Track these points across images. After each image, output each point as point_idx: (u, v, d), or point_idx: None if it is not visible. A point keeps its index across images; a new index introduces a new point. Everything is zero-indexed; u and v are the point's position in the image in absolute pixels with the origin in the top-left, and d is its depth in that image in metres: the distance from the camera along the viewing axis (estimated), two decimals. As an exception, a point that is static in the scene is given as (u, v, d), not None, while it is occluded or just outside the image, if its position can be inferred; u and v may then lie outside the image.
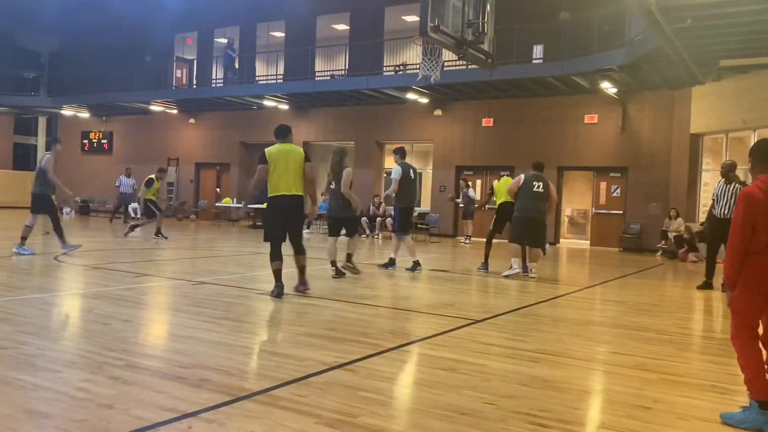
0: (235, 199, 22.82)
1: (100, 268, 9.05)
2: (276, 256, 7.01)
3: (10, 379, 3.67)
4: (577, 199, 20.75)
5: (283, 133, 7.25)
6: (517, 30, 16.66)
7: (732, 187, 8.93)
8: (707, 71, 14.23)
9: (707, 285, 9.18)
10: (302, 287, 7.25)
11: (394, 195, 10.13)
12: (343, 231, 9.22)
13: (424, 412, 3.42)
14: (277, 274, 7.00)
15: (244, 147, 24.43)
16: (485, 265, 10.45)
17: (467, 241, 17.71)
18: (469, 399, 3.62)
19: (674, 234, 15.31)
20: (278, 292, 6.90)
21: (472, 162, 19.89)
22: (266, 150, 7.05)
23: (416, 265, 10.03)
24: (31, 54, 28.39)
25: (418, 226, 18.79)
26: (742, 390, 3.52)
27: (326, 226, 10.07)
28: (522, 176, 9.88)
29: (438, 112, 20.33)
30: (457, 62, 16.16)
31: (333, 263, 9.04)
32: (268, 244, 7.10)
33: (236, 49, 22.92)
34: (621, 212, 17.94)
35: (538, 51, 17.70)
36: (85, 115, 27.83)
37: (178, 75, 24.73)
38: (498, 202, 10.84)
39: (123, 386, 3.59)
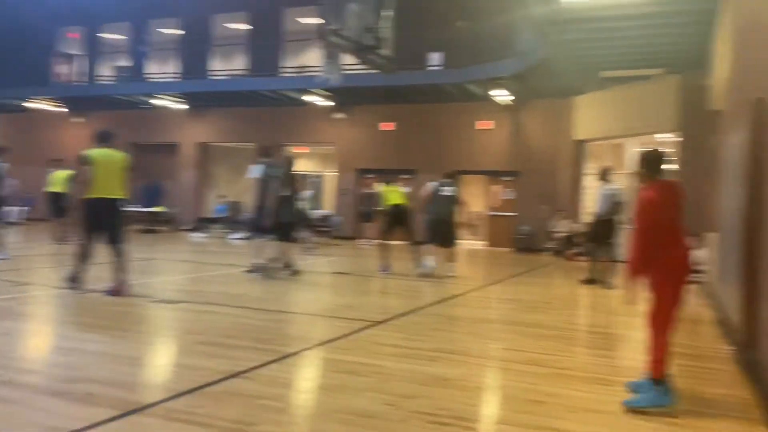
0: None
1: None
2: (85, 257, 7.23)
3: None
4: (473, 202, 21.43)
5: (105, 138, 7.72)
6: (416, 36, 17.00)
7: (606, 188, 9.59)
8: (589, 81, 15.18)
9: (590, 280, 9.79)
10: (118, 288, 7.05)
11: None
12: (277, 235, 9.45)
13: (324, 416, 3.40)
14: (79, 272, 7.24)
15: (135, 148, 23.32)
16: (385, 267, 10.58)
17: (370, 243, 17.83)
18: (370, 401, 3.64)
19: (561, 234, 16.19)
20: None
21: (373, 165, 20.06)
22: (89, 153, 7.40)
23: (259, 269, 9.25)
24: None
25: (320, 229, 18.72)
26: (624, 381, 3.77)
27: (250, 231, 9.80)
28: (431, 185, 10.51)
29: (340, 115, 20.36)
30: (358, 66, 16.26)
31: (286, 265, 9.43)
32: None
33: (148, 44, 21.43)
34: (514, 214, 18.73)
35: (436, 58, 18.17)
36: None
37: (61, 71, 23.21)
38: (388, 204, 11.01)
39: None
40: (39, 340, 5.29)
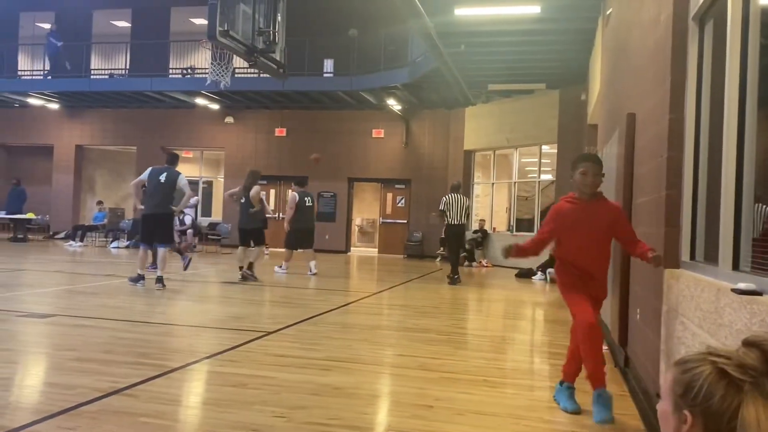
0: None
1: None
2: None
3: None
4: (366, 209, 21.63)
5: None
6: (309, 42, 16.93)
7: (458, 198, 11.11)
8: (478, 93, 15.78)
9: (455, 280, 11.06)
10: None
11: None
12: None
13: (211, 433, 3.25)
14: None
15: (3, 150, 21.54)
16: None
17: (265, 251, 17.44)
18: (260, 414, 3.52)
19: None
20: None
21: (266, 171, 19.67)
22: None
23: (140, 278, 8.91)
24: None
25: (209, 236, 18.11)
26: (509, 382, 3.90)
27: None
28: (296, 194, 11.65)
29: (229, 120, 19.85)
30: (249, 70, 15.94)
31: (240, 268, 10.17)
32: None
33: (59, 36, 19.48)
34: (405, 221, 19.06)
35: (329, 65, 18.19)
36: None
37: None
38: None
39: None
40: None
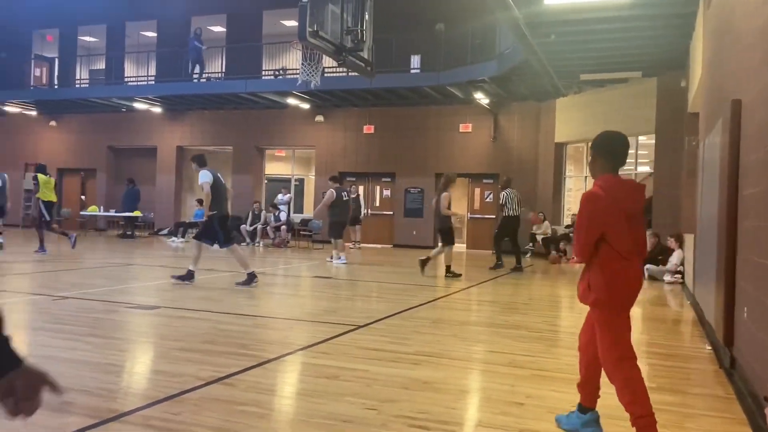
0: (102, 207, 21.40)
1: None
2: None
3: None
4: (454, 205, 21.49)
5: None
6: (395, 39, 17.01)
7: (513, 193, 12.78)
8: (569, 84, 15.30)
9: (498, 266, 12.49)
10: None
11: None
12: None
13: (305, 422, 3.36)
14: None
15: (111, 152, 23.08)
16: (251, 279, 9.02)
17: (355, 247, 17.78)
18: (351, 406, 3.60)
19: (542, 237, 16.27)
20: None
21: (354, 168, 20.03)
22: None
23: (252, 278, 8.71)
24: None
25: (301, 233, 18.63)
26: (603, 382, 3.77)
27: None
28: (333, 191, 12.80)
29: (319, 118, 20.30)
30: (338, 69, 16.24)
31: (448, 268, 11.04)
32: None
33: (203, 40, 20.50)
34: (494, 216, 18.79)
35: (415, 61, 18.20)
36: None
37: (37, 74, 22.84)
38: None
39: (-32, 416, 3.22)
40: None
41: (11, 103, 22.42)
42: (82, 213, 21.42)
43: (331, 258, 12.91)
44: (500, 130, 18.62)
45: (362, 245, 17.87)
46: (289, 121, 20.63)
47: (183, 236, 18.44)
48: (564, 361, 5.03)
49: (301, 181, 22.43)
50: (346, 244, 18.66)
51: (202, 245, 8.89)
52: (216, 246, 8.91)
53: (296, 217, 19.66)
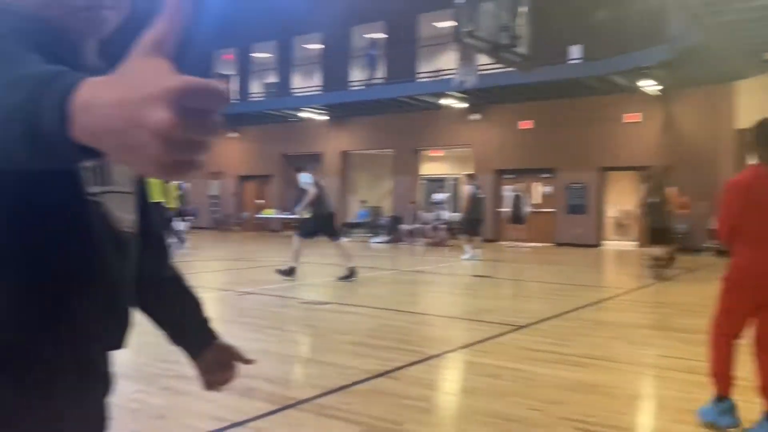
0: (277, 211, 23.12)
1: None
2: None
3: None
4: (621, 200, 20.35)
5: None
6: (554, 31, 16.48)
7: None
8: (750, 65, 13.84)
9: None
10: None
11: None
12: None
13: (469, 419, 3.43)
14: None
15: (285, 159, 24.80)
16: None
17: (518, 245, 17.53)
18: (515, 405, 3.60)
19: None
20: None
21: (512, 165, 19.73)
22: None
23: (352, 273, 9.12)
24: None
25: (458, 231, 18.73)
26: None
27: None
28: (471, 187, 13.33)
29: (475, 116, 20.26)
30: (494, 65, 16.10)
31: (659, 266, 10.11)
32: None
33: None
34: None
35: (575, 51, 17.49)
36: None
37: (220, 90, 25.18)
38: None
39: (174, 397, 3.70)
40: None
41: (197, 118, 24.95)
42: (257, 216, 23.32)
43: (465, 256, 12.90)
44: (670, 118, 17.32)
45: (524, 244, 17.54)
46: (445, 121, 20.82)
47: (347, 236, 19.35)
48: (746, 368, 4.61)
49: (457, 180, 22.54)
50: (510, 242, 18.44)
51: (307, 240, 9.45)
52: (306, 238, 9.51)
53: (454, 217, 19.80)
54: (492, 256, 15.29)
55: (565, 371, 4.37)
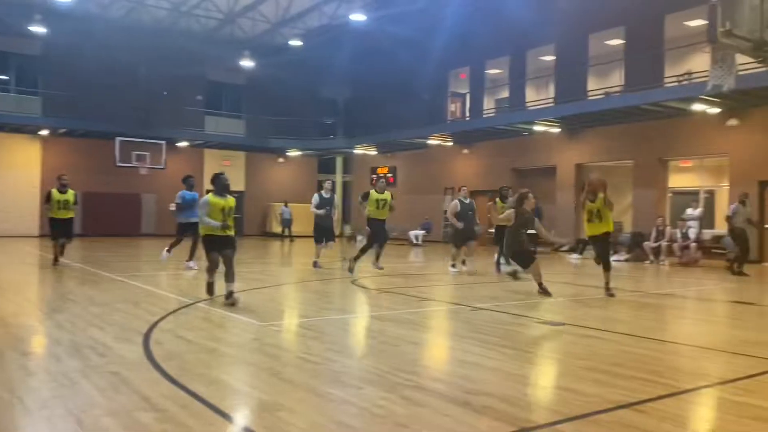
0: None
1: (389, 291, 9.92)
2: None
3: (323, 392, 4.24)
4: None
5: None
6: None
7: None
8: None
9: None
10: None
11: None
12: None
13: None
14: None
15: (515, 173, 24.66)
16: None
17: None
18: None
19: None
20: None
21: (778, 175, 17.18)
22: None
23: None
24: (330, 102, 32.92)
25: (712, 250, 16.80)
26: None
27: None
28: (317, 196, 13.58)
29: (732, 122, 18.05)
30: (755, 64, 14.22)
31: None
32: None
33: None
34: None
35: None
36: (372, 152, 30.87)
37: (452, 109, 26.01)
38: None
39: (414, 407, 3.88)
40: (441, 351, 6.00)
41: (434, 136, 26.05)
42: (488, 230, 23.40)
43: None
44: None
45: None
46: (695, 129, 18.87)
47: (581, 253, 18.51)
48: None
49: (710, 193, 20.24)
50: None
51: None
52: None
53: (707, 233, 17.81)
54: (760, 279, 13.42)
55: None
